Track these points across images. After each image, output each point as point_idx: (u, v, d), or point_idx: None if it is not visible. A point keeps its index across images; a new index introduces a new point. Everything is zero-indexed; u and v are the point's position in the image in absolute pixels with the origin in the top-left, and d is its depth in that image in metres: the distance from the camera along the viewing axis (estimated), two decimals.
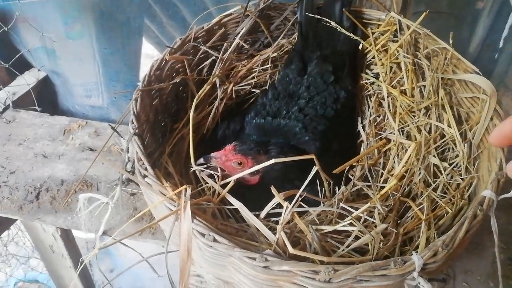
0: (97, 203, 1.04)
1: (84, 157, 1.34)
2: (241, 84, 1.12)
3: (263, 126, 0.98)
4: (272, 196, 0.74)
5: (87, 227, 1.13)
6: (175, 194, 0.68)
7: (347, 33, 1.05)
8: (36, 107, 1.50)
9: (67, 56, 1.61)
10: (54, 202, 1.21)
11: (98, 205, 1.04)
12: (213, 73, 1.07)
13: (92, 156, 1.34)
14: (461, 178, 0.86)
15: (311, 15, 1.07)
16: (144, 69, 1.91)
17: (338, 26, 1.05)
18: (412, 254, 0.63)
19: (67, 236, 1.49)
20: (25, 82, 1.52)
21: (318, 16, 1.07)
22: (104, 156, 1.31)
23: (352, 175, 0.95)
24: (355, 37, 1.06)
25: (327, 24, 1.06)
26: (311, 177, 0.72)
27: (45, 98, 1.62)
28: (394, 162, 0.94)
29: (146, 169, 0.74)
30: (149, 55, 2.39)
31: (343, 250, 0.68)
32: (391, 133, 0.98)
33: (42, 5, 1.46)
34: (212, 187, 0.79)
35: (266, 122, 0.98)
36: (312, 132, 0.95)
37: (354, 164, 0.96)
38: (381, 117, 1.03)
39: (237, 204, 0.71)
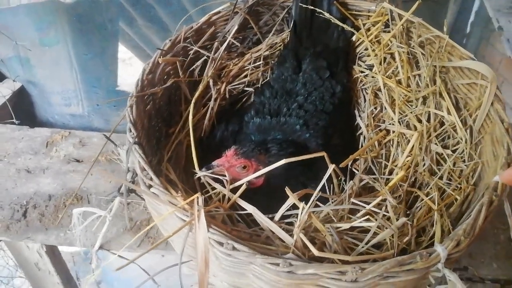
0: (93, 217, 0.99)
1: (70, 169, 1.27)
2: (234, 83, 1.10)
3: (264, 125, 0.96)
4: (279, 195, 0.72)
5: (82, 243, 1.08)
6: (186, 203, 0.64)
7: (341, 24, 1.04)
8: (14, 120, 1.42)
9: (42, 64, 1.54)
10: (44, 219, 1.14)
11: (94, 219, 1.00)
12: (205, 74, 1.03)
13: (79, 167, 1.28)
14: (465, 165, 0.87)
15: (304, 6, 1.05)
16: (119, 73, 1.85)
17: (332, 17, 1.04)
18: (432, 246, 0.63)
19: (53, 252, 1.43)
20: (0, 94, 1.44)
21: (312, 7, 1.05)
22: (93, 167, 1.25)
23: (356, 169, 0.94)
24: (349, 29, 1.05)
25: (321, 16, 1.05)
26: (326, 176, 0.71)
27: (22, 109, 1.55)
28: (397, 153, 0.93)
29: (151, 179, 0.70)
30: (121, 58, 2.32)
31: (363, 247, 0.67)
32: (390, 124, 0.98)
33: (13, 12, 1.39)
34: (220, 192, 0.76)
35: (266, 121, 0.96)
36: (313, 129, 0.94)
37: (356, 157, 0.95)
38: (378, 109, 1.03)
39: (250, 208, 0.69)
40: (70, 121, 1.65)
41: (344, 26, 1.05)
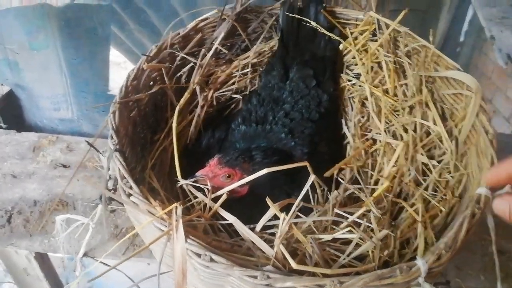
0: (76, 224, 0.98)
1: (57, 175, 1.26)
2: (221, 90, 1.09)
3: (249, 132, 0.95)
4: (263, 204, 0.71)
5: (65, 250, 1.06)
6: (165, 213, 0.63)
7: (328, 33, 1.04)
8: (1, 124, 1.40)
9: (31, 68, 1.52)
10: (28, 225, 1.13)
11: (78, 226, 0.98)
12: (192, 80, 1.03)
13: (66, 173, 1.26)
14: (450, 176, 0.86)
15: (291, 15, 1.05)
16: (113, 77, 1.84)
17: (319, 26, 1.04)
18: (415, 259, 0.63)
19: (41, 257, 1.41)
20: None
21: (299, 16, 1.05)
22: (79, 173, 1.24)
23: (342, 179, 0.93)
24: (336, 38, 1.05)
25: (308, 25, 1.05)
26: (306, 186, 0.70)
27: (10, 113, 1.53)
28: (383, 162, 0.93)
29: (131, 187, 0.69)
30: (115, 62, 2.31)
31: (344, 259, 0.66)
32: (377, 133, 0.97)
33: (2, 15, 1.37)
34: (202, 201, 0.75)
35: (252, 128, 0.95)
36: (299, 137, 0.94)
37: (342, 166, 0.95)
38: (365, 118, 1.02)
39: (231, 218, 0.68)
40: (58, 126, 1.63)
41: (331, 35, 1.05)
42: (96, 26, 1.63)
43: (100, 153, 0.85)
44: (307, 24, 1.06)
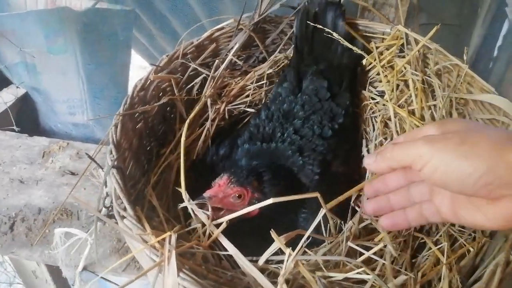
0: (75, 238, 0.94)
1: (64, 182, 1.23)
2: (234, 103, 1.03)
3: (253, 150, 0.89)
4: (272, 226, 0.64)
5: (65, 263, 1.02)
6: (158, 241, 0.58)
7: (344, 42, 0.96)
8: (14, 127, 1.39)
9: (49, 71, 1.51)
10: (30, 233, 1.10)
11: (77, 239, 0.94)
12: (203, 93, 0.97)
13: (73, 181, 1.23)
14: None
15: (307, 22, 0.98)
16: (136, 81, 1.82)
17: (335, 34, 0.96)
18: None
19: None
20: (2, 100, 1.41)
21: (313, 24, 0.98)
22: (87, 181, 1.21)
23: (358, 205, 0.85)
24: (355, 49, 0.97)
25: (323, 33, 0.98)
26: (318, 219, 0.63)
27: (25, 116, 1.52)
28: None
29: (125, 209, 0.64)
30: (142, 66, 2.30)
31: None
32: None
33: (21, 18, 1.36)
34: (202, 226, 0.69)
35: (256, 147, 0.89)
36: (308, 156, 0.87)
37: (360, 193, 0.87)
38: (388, 140, 0.94)
39: (231, 249, 0.62)
40: (72, 131, 1.61)
41: (349, 45, 0.97)
42: (117, 31, 1.61)
43: (101, 168, 0.80)
44: (323, 32, 0.98)
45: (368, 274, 0.60)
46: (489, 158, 0.50)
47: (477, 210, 0.54)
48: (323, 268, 0.63)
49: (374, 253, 0.68)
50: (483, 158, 0.50)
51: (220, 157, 0.92)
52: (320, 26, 0.98)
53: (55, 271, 1.44)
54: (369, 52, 1.01)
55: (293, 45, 1.05)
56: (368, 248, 0.69)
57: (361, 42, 0.99)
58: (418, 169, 0.55)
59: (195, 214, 0.71)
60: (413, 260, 0.74)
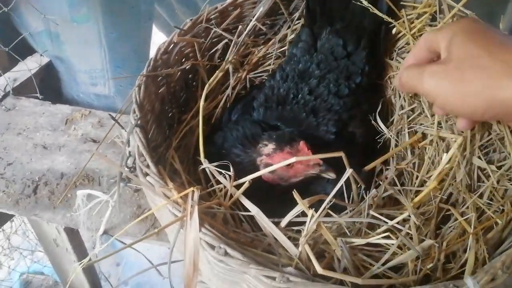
0: (96, 200, 0.95)
1: (86, 149, 1.24)
2: (256, 72, 1.01)
3: (272, 112, 0.88)
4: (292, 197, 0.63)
5: (86, 226, 1.04)
6: (180, 197, 0.57)
7: (365, 3, 0.91)
8: (38, 95, 1.41)
9: (72, 41, 1.52)
10: (53, 197, 1.12)
11: (98, 202, 0.95)
12: (226, 59, 0.96)
13: (95, 147, 1.24)
14: (510, 184, 0.74)
15: None
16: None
17: None
18: (463, 277, 0.53)
19: (71, 229, 1.41)
20: (26, 68, 1.42)
21: None
22: (108, 148, 1.22)
23: (382, 179, 0.83)
24: (374, 9, 0.92)
25: None
26: (341, 182, 0.61)
27: (48, 85, 1.53)
28: (432, 162, 0.82)
29: (148, 166, 0.64)
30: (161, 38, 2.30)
31: (379, 268, 0.57)
32: (429, 125, 0.86)
33: None
34: (224, 187, 0.68)
35: (273, 108, 0.88)
36: (323, 117, 0.85)
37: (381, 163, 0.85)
38: (418, 111, 0.91)
39: (253, 209, 0.61)
40: (94, 101, 1.62)
41: (371, 6, 0.91)
42: (139, 3, 1.61)
43: (123, 128, 0.81)
44: None
45: (392, 239, 0.59)
46: (484, 98, 0.56)
47: None
48: (347, 232, 0.62)
49: (398, 223, 0.67)
50: (482, 97, 0.56)
51: (232, 122, 0.91)
52: None
53: (75, 239, 1.48)
54: (397, 19, 0.97)
55: (304, 5, 1.01)
56: (391, 218, 0.68)
57: (387, 4, 0.94)
58: (431, 102, 0.65)
59: (213, 176, 0.70)
60: (438, 232, 0.72)
